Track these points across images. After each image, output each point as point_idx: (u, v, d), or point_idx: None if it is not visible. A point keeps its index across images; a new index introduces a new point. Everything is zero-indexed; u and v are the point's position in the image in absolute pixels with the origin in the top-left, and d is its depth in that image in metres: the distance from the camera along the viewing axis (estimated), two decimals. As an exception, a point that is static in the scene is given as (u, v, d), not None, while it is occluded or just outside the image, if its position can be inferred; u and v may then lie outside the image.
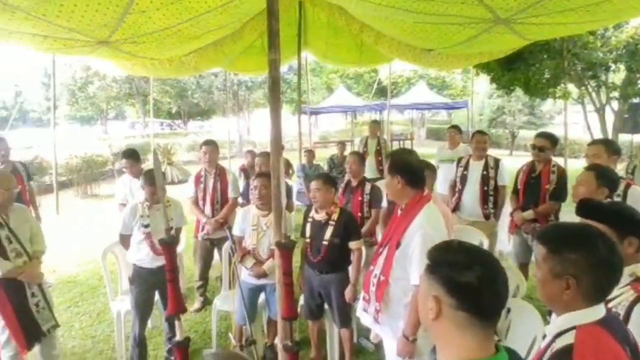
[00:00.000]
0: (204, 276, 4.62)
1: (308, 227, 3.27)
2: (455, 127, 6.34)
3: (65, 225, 8.16)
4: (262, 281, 3.36)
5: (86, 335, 4.12)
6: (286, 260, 2.19)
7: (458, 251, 1.11)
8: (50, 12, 2.47)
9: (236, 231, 3.47)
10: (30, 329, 3.06)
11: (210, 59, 5.07)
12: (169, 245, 2.29)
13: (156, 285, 3.43)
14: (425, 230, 2.18)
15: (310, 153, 7.69)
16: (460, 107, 19.83)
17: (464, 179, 4.55)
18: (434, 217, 2.28)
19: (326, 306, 3.34)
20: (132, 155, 4.60)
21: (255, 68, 7.44)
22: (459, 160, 4.74)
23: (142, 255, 3.38)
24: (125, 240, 3.48)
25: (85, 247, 6.65)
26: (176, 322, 2.29)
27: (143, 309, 3.43)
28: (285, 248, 2.19)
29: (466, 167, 4.57)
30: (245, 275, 3.36)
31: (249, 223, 3.40)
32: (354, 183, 4.13)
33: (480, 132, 4.77)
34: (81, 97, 25.52)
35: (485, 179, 4.40)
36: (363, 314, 2.55)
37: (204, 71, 9.42)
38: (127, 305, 3.50)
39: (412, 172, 2.36)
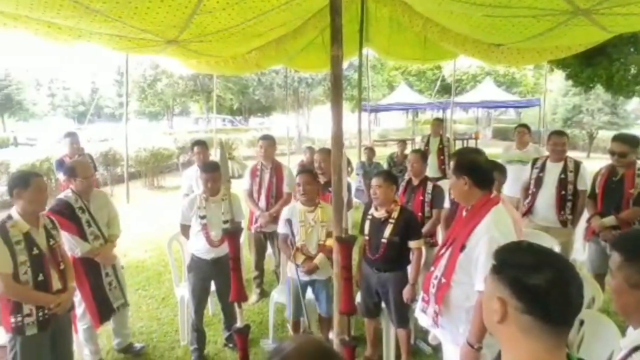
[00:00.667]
0: (259, 267, 4.73)
1: (367, 224, 3.23)
2: (524, 126, 5.98)
3: (135, 213, 8.67)
4: (312, 277, 3.35)
5: (152, 317, 4.36)
6: (345, 255, 2.18)
7: (527, 252, 1.05)
8: (126, 15, 2.63)
9: (281, 228, 3.47)
10: (103, 305, 3.34)
11: (271, 57, 5.16)
12: (232, 235, 2.37)
13: (212, 276, 3.55)
14: (492, 234, 2.06)
15: (370, 150, 7.62)
16: (532, 105, 18.75)
17: (539, 181, 4.25)
18: (502, 221, 2.16)
19: (383, 305, 3.30)
20: (203, 143, 5.10)
21: (315, 65, 7.47)
22: (535, 161, 4.43)
23: (200, 245, 3.50)
24: (185, 230, 3.63)
25: (152, 235, 7.03)
26: (237, 310, 2.38)
27: (199, 297, 3.57)
28: (345, 243, 2.18)
29: (542, 169, 4.26)
30: (294, 272, 3.33)
31: (297, 219, 3.39)
32: (416, 182, 4.02)
33: (558, 133, 4.37)
34: (150, 93, 26.98)
35: (563, 183, 4.09)
36: (421, 315, 2.49)
37: (265, 68, 9.60)
38: (189, 292, 3.65)
39: (480, 172, 2.25)
